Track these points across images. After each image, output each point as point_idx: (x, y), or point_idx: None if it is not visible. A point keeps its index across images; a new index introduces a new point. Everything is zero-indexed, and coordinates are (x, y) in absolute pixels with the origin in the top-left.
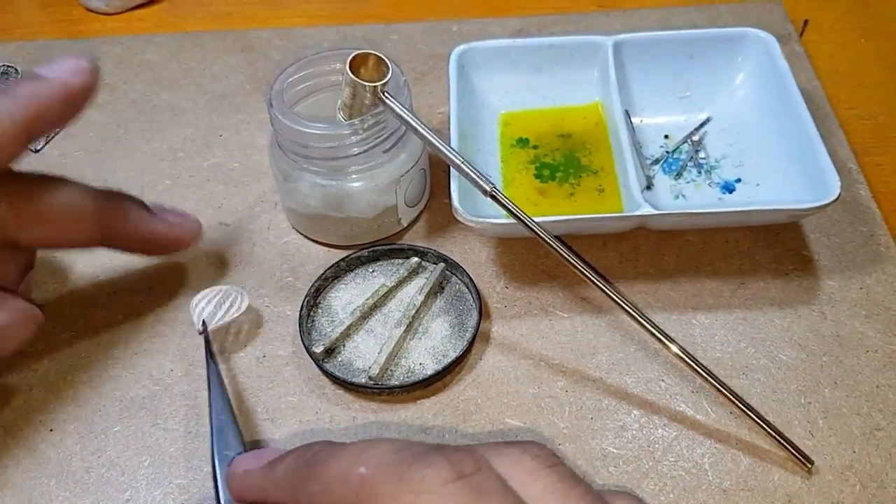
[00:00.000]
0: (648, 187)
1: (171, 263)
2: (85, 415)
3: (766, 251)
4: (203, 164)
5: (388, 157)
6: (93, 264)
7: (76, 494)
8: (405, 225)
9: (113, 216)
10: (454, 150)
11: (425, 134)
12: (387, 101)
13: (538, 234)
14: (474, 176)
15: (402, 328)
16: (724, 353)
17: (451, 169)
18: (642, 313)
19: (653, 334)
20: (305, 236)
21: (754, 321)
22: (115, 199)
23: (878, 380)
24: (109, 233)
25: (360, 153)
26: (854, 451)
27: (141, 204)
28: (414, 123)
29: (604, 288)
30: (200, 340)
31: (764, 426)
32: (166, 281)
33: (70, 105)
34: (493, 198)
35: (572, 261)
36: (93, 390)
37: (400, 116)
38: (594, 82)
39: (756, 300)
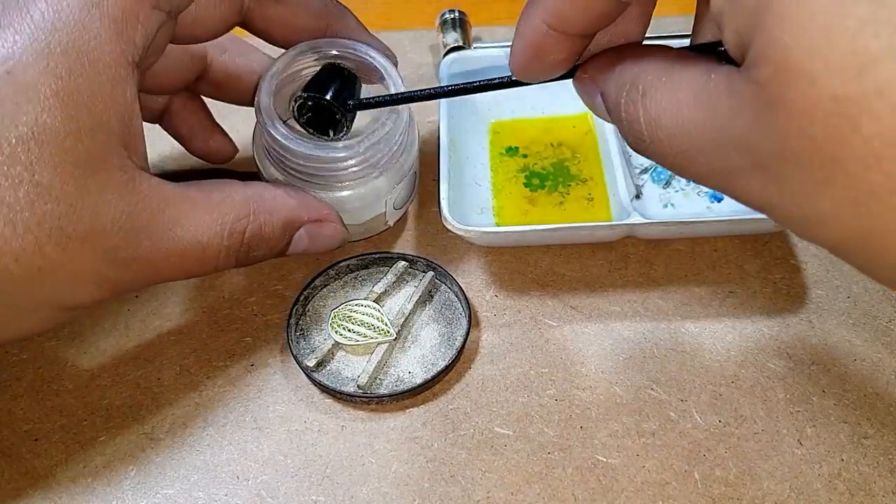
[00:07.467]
0: (637, 196)
1: None
2: (70, 424)
3: (754, 260)
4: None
5: (381, 170)
6: None
7: None
8: (391, 224)
9: (335, 15)
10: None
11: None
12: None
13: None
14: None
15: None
16: (713, 361)
17: (441, 177)
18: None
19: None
20: None
21: (742, 330)
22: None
23: (865, 388)
24: (328, 32)
25: (354, 170)
26: (842, 460)
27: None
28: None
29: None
30: (187, 349)
31: None
32: (153, 288)
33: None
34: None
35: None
36: (78, 400)
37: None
38: None
39: (744, 309)
